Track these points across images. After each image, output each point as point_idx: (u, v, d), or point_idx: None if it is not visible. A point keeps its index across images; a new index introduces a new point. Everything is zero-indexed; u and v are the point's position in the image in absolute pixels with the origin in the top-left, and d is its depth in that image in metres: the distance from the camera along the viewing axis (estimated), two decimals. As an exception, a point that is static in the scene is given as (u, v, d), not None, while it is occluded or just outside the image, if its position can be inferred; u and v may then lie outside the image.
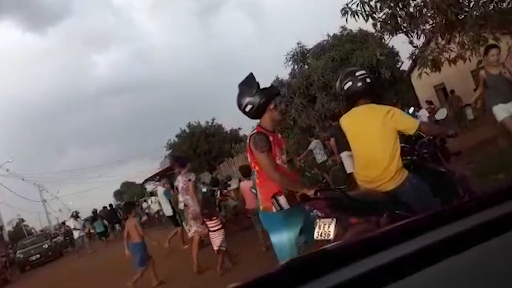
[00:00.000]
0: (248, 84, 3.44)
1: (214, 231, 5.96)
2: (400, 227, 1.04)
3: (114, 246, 16.70)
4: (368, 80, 3.45)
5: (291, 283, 0.79)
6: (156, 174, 36.86)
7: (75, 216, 19.03)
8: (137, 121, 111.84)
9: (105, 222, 22.78)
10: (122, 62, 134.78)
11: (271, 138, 3.39)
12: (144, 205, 24.84)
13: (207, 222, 6.09)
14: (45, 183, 52.25)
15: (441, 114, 4.17)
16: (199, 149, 23.54)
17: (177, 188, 8.07)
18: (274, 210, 3.32)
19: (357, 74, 3.50)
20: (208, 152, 23.27)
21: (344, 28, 14.80)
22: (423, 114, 14.38)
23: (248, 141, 3.47)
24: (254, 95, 3.36)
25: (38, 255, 21.20)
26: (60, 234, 27.35)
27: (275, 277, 0.83)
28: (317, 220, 3.15)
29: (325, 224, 3.08)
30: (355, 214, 3.09)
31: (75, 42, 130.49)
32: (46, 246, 21.99)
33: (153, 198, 24.29)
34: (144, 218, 22.28)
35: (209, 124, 25.43)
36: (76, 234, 18.24)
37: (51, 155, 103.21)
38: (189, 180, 7.16)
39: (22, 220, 54.09)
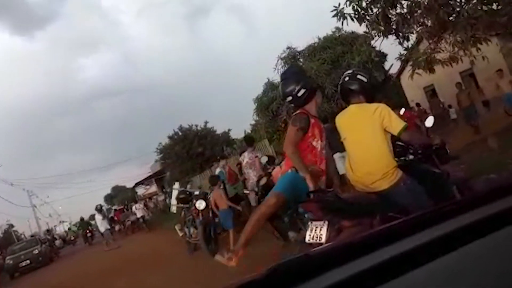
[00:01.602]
0: (295, 71, 3.73)
1: None
2: (389, 229, 1.05)
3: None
4: (362, 79, 3.47)
5: (279, 286, 0.79)
6: (147, 178, 37.07)
7: (99, 209, 18.68)
8: (125, 125, 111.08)
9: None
10: (110, 66, 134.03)
11: (312, 121, 3.55)
12: (133, 209, 24.84)
13: None
14: (35, 188, 51.71)
15: (430, 121, 4.16)
16: (192, 151, 23.49)
17: (240, 164, 9.04)
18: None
19: (353, 73, 3.55)
20: (201, 155, 23.22)
21: (338, 28, 14.84)
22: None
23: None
24: (306, 80, 3.59)
25: (28, 261, 20.87)
26: (46, 241, 26.88)
27: (262, 281, 0.82)
28: (309, 223, 3.12)
29: (317, 227, 3.04)
30: (347, 217, 3.07)
31: (62, 45, 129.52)
32: (36, 251, 21.68)
33: (137, 205, 25.05)
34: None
35: (202, 127, 25.43)
36: (102, 228, 17.78)
37: (39, 161, 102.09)
38: (256, 156, 8.30)
39: (12, 226, 53.43)
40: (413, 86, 18.35)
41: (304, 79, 3.59)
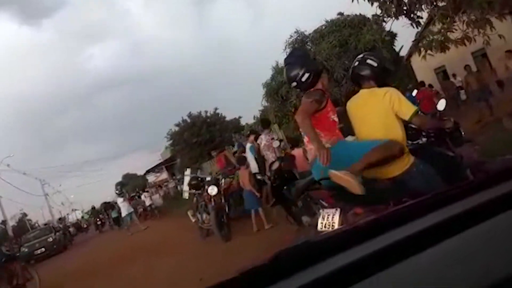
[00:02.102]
0: (298, 55, 3.51)
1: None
2: (394, 213, 1.08)
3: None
4: (372, 64, 3.41)
5: (283, 271, 0.79)
6: (157, 165, 37.28)
7: (120, 192, 18.83)
8: (135, 113, 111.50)
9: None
10: (118, 55, 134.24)
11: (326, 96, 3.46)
12: (142, 197, 25.37)
13: None
14: (47, 177, 52.30)
15: (442, 105, 4.12)
16: (201, 138, 23.54)
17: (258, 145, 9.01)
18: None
19: (365, 57, 3.49)
20: (209, 141, 23.25)
21: (341, 13, 14.67)
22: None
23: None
24: (310, 63, 3.43)
25: (43, 249, 21.28)
26: (60, 229, 27.34)
27: (267, 266, 0.82)
28: (321, 211, 3.08)
29: (329, 215, 3.00)
30: (360, 203, 3.00)
31: (70, 34, 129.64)
32: (50, 239, 22.06)
33: (145, 193, 26.16)
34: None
35: (211, 113, 25.46)
36: (124, 212, 17.67)
37: (51, 150, 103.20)
38: (272, 138, 8.43)
39: (25, 215, 54.42)
40: (424, 67, 18.08)
41: (307, 63, 3.45)
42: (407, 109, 3.19)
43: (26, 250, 21.51)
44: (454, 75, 17.41)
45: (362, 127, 3.44)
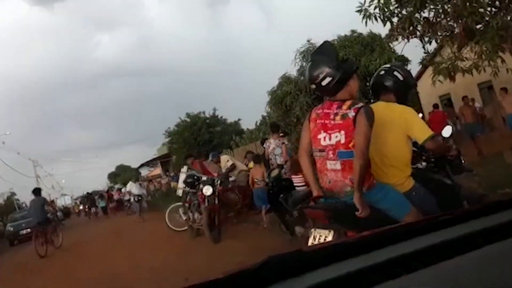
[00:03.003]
0: (326, 53, 2.94)
1: (299, 186, 6.13)
2: (384, 232, 1.10)
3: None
4: (398, 77, 3.26)
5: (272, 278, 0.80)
6: (153, 160, 37.19)
7: (137, 179, 18.82)
8: (136, 106, 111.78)
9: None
10: (127, 46, 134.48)
11: None
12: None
13: (294, 178, 6.42)
14: (40, 159, 52.18)
15: (448, 131, 3.98)
16: (200, 138, 23.54)
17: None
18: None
19: (392, 68, 3.35)
20: (208, 142, 23.24)
21: (353, 31, 14.72)
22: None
23: (353, 113, 2.77)
24: (335, 65, 2.84)
25: (29, 229, 21.08)
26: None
27: (255, 272, 0.81)
28: (313, 230, 2.89)
29: (321, 236, 2.81)
30: (355, 227, 2.72)
31: (80, 20, 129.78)
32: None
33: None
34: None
35: (210, 114, 25.52)
36: (132, 196, 17.77)
37: (48, 133, 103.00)
38: (283, 143, 8.33)
39: (14, 194, 53.96)
40: (430, 93, 18.13)
41: (333, 63, 2.84)
42: (423, 132, 3.06)
43: (12, 229, 21.36)
44: (473, 100, 16.95)
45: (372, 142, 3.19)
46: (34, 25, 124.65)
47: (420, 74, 17.13)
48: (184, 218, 9.54)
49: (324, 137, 2.88)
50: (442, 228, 0.90)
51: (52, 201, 45.87)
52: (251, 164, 10.60)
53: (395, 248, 0.85)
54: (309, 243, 2.82)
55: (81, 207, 36.44)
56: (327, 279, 0.76)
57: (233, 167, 9.86)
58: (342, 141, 2.78)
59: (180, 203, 10.15)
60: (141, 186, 17.81)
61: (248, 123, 25.40)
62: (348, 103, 2.82)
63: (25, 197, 56.46)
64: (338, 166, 2.82)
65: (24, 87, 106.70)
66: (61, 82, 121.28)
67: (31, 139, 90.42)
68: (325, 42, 3.03)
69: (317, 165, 3.00)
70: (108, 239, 13.44)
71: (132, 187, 16.93)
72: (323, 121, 2.90)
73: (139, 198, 17.88)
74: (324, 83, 2.82)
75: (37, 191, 12.81)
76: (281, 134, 9.21)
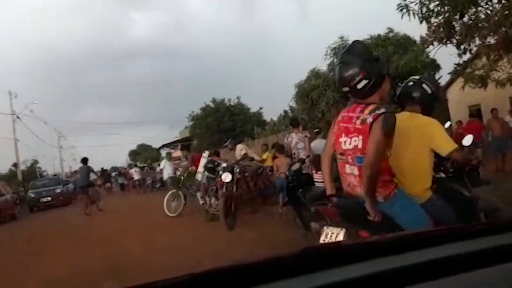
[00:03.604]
0: (362, 54, 2.79)
1: (319, 183, 6.15)
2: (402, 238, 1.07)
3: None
4: (426, 89, 3.26)
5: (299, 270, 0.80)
6: (174, 142, 37.58)
7: (168, 153, 18.79)
8: (163, 87, 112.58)
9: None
10: (159, 26, 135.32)
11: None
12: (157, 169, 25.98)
13: (315, 175, 6.48)
14: (64, 131, 53.31)
15: (468, 140, 3.90)
16: (222, 125, 23.67)
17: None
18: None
19: (421, 80, 3.34)
20: (230, 130, 23.35)
21: (390, 29, 14.52)
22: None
23: (371, 119, 2.67)
24: (372, 66, 2.73)
25: (49, 198, 21.67)
26: (69, 183, 27.95)
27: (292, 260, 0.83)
28: (325, 227, 2.93)
29: (333, 233, 2.85)
30: (366, 227, 2.75)
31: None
32: (58, 190, 22.46)
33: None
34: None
35: (234, 102, 25.61)
36: (165, 175, 16.74)
37: (73, 106, 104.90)
38: (305, 136, 8.42)
39: (37, 162, 55.23)
40: (459, 102, 17.75)
41: (369, 65, 2.73)
42: (447, 145, 3.05)
43: (33, 195, 21.95)
44: (510, 112, 16.39)
45: (393, 150, 3.11)
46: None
47: (451, 82, 16.78)
48: (201, 202, 9.69)
49: (345, 141, 2.85)
50: (455, 241, 0.90)
51: (75, 172, 46.99)
52: (265, 155, 10.75)
53: (427, 252, 0.85)
54: (321, 240, 2.84)
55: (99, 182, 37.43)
56: (353, 276, 0.78)
57: (244, 156, 9.85)
58: (360, 146, 2.74)
59: (174, 191, 11.14)
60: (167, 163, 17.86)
61: (271, 114, 25.43)
62: (370, 107, 2.73)
63: (46, 166, 58.06)
64: (355, 171, 2.80)
65: (55, 58, 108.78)
66: (91, 56, 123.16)
67: (57, 110, 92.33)
68: (356, 41, 2.97)
69: (338, 167, 3.00)
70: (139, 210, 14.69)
71: (166, 165, 16.97)
72: (346, 125, 2.86)
73: (172, 177, 17.96)
74: (360, 86, 2.73)
75: (84, 160, 15.02)
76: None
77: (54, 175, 38.34)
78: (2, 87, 36.64)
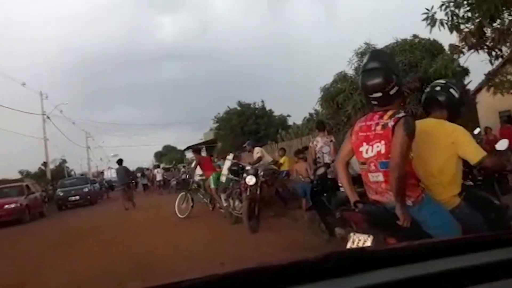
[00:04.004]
0: (387, 60, 2.85)
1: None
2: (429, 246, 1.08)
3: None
4: (454, 94, 3.19)
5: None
6: (198, 144, 37.88)
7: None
8: (189, 89, 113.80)
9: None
10: (186, 29, 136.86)
11: None
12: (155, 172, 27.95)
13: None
14: (92, 131, 54.44)
15: (503, 144, 3.77)
16: (247, 128, 23.74)
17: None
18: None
19: (448, 85, 3.28)
20: (254, 133, 23.39)
21: (415, 36, 14.29)
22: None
23: (392, 123, 2.70)
24: (399, 72, 2.81)
25: (77, 197, 22.15)
26: (96, 182, 28.47)
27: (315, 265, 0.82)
28: (352, 234, 2.88)
29: (360, 240, 2.80)
30: (394, 234, 2.72)
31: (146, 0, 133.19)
32: (86, 189, 22.93)
33: (158, 169, 29.15)
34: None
35: (258, 106, 25.67)
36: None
37: (101, 106, 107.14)
38: (331, 141, 8.47)
39: (65, 161, 56.46)
40: (489, 108, 17.33)
41: (397, 71, 2.82)
42: (475, 154, 2.98)
43: (61, 194, 22.47)
44: None
45: (418, 159, 3.03)
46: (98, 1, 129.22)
47: (481, 87, 16.41)
48: (225, 204, 9.74)
49: (366, 150, 2.85)
50: (484, 249, 0.89)
51: (101, 172, 47.88)
52: (282, 159, 10.73)
53: (454, 260, 0.84)
54: (348, 247, 2.81)
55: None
56: (381, 281, 0.78)
57: (259, 159, 9.85)
58: (383, 151, 2.75)
59: (183, 193, 11.55)
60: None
61: (295, 118, 25.36)
62: (390, 113, 2.77)
63: (74, 166, 59.31)
64: (380, 177, 2.80)
65: (85, 59, 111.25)
66: (120, 58, 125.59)
67: (86, 111, 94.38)
68: (376, 50, 3.09)
69: (362, 177, 3.00)
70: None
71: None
72: (365, 134, 2.86)
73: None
74: (392, 92, 2.77)
75: (120, 161, 16.70)
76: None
77: (81, 175, 39.20)
78: (34, 88, 37.45)
